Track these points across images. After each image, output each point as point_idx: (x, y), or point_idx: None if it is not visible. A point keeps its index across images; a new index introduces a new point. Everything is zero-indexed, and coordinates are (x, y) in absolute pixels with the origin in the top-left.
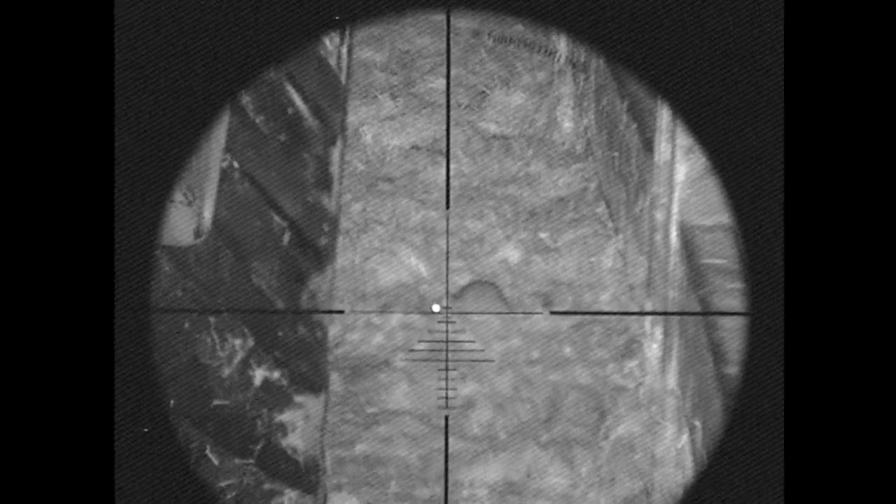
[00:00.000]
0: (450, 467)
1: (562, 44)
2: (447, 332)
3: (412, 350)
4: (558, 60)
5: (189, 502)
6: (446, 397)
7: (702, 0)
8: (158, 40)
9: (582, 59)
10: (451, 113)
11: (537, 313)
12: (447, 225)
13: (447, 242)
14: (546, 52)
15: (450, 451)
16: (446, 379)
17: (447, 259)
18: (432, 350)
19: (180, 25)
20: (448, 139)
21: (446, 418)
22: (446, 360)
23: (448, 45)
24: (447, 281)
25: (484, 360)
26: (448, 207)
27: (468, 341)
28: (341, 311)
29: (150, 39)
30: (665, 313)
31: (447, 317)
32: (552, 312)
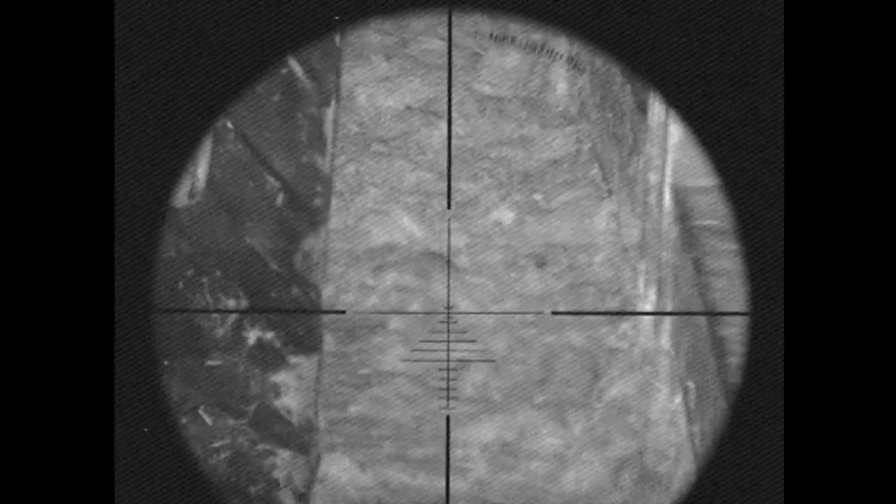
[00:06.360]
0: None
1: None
2: (448, 332)
3: (413, 350)
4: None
5: (189, 501)
6: (447, 397)
7: (701, 4)
8: (158, 41)
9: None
10: (443, 73)
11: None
12: (448, 226)
13: (448, 245)
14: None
15: (443, 412)
16: (447, 379)
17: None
18: (434, 351)
19: (180, 26)
20: (449, 143)
21: (447, 418)
22: (447, 361)
23: (449, 45)
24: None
25: (485, 361)
26: (449, 207)
27: (469, 340)
28: (342, 311)
29: (150, 40)
30: (674, 313)
31: (448, 317)
32: (554, 312)
